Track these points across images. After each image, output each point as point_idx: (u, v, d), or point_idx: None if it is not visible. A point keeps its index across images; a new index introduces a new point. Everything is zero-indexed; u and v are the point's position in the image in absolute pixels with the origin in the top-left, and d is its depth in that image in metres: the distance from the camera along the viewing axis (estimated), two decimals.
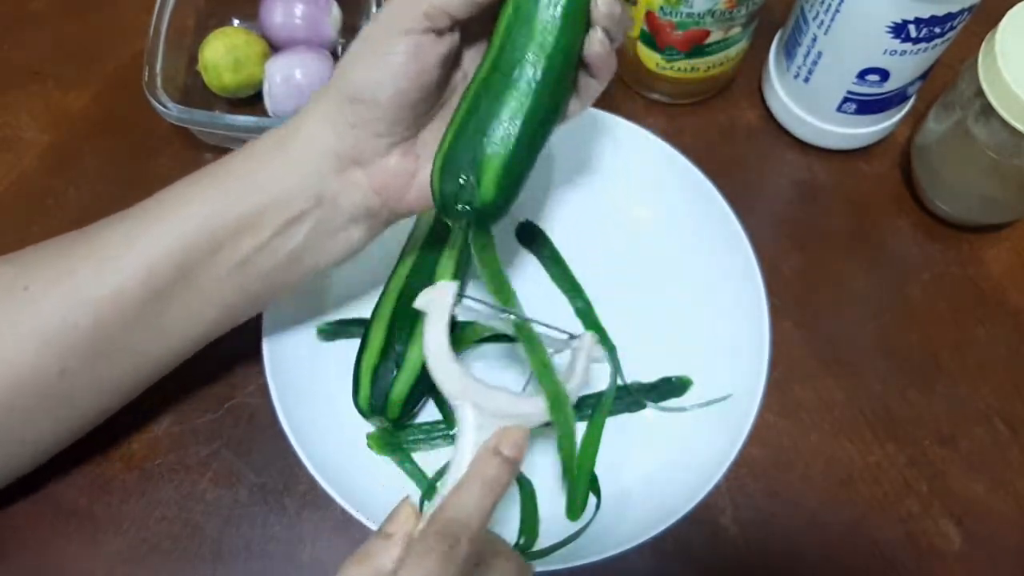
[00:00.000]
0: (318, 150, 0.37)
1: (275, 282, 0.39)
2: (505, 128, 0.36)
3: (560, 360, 0.39)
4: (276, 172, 0.37)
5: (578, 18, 0.35)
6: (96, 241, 0.38)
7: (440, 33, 0.35)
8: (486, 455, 0.34)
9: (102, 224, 0.38)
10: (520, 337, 0.37)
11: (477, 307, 0.38)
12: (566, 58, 0.36)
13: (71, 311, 0.37)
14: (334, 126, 0.36)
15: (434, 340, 0.36)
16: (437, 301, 0.37)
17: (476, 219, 0.37)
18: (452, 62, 0.37)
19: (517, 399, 0.36)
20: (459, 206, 0.36)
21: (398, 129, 0.37)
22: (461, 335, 0.45)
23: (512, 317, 0.37)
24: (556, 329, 0.40)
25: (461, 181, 0.36)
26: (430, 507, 0.33)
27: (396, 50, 0.35)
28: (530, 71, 0.35)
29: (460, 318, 0.38)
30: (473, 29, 0.37)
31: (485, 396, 0.35)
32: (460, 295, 0.38)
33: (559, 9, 0.35)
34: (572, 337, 0.40)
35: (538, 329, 0.38)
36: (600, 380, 0.46)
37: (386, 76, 0.35)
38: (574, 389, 0.38)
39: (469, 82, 0.37)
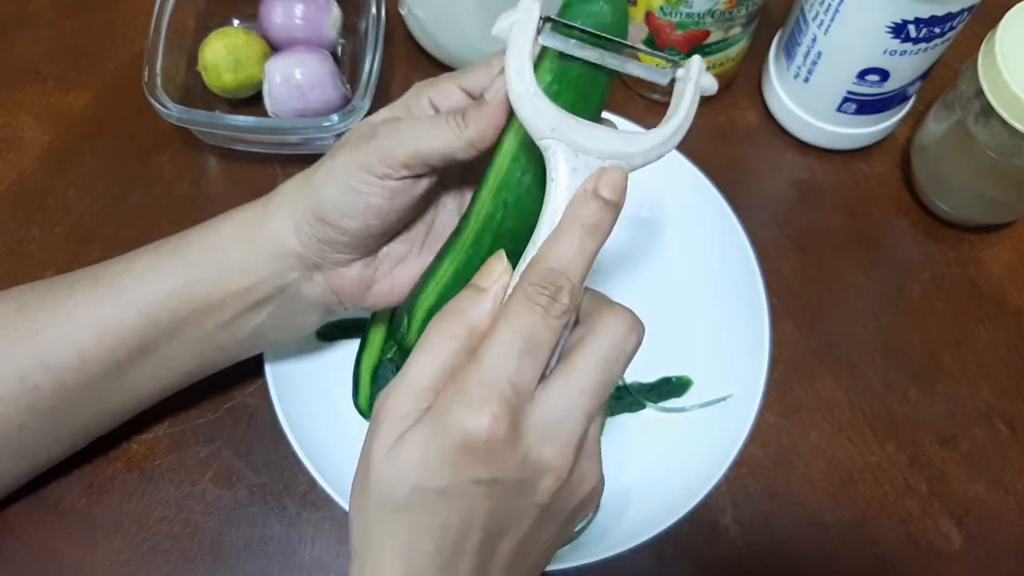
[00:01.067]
0: (282, 248, 0.37)
1: (234, 354, 0.41)
2: None
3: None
4: (242, 260, 0.38)
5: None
6: (62, 306, 0.38)
7: (418, 178, 0.35)
8: (584, 197, 0.30)
9: (70, 282, 0.39)
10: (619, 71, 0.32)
11: (566, 33, 0.32)
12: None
13: (32, 373, 0.37)
14: (299, 235, 0.37)
15: (517, 68, 0.30)
16: (521, 23, 0.31)
17: None
18: (426, 198, 0.38)
19: (620, 136, 0.31)
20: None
21: (360, 251, 0.38)
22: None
23: (610, 44, 0.32)
24: (659, 55, 0.33)
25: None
26: (523, 261, 0.30)
27: (370, 191, 0.35)
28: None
29: (545, 43, 0.32)
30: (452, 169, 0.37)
31: (582, 132, 0.30)
32: (546, 18, 0.31)
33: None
34: (676, 63, 0.33)
35: (635, 65, 0.32)
36: None
37: (357, 211, 0.35)
38: (680, 126, 0.32)
39: (457, 236, 0.37)
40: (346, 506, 0.41)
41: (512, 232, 0.36)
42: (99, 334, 0.38)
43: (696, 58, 0.33)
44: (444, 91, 0.36)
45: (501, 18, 0.31)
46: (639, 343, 0.32)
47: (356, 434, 0.45)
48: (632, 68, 0.33)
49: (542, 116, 0.30)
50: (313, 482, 0.42)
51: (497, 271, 0.30)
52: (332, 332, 0.47)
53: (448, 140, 0.34)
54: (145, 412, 0.47)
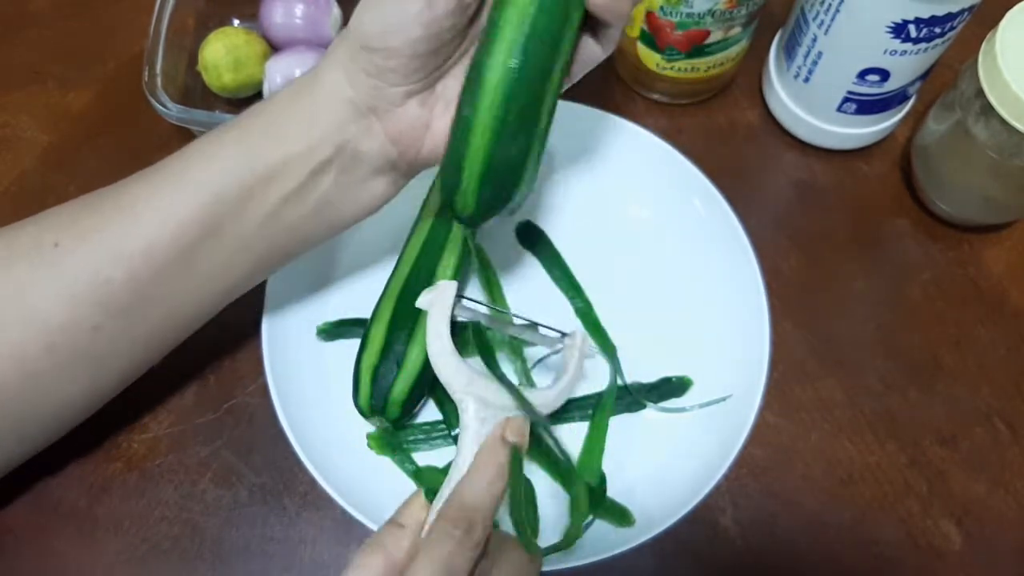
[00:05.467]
0: (336, 99, 0.36)
1: (303, 234, 0.39)
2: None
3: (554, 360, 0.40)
4: (297, 123, 0.37)
5: None
6: (124, 198, 0.37)
7: None
8: (494, 443, 0.35)
9: (128, 181, 0.38)
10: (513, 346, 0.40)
11: (475, 307, 0.40)
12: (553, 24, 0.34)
13: (103, 266, 0.36)
14: (349, 75, 0.36)
15: (436, 337, 0.37)
16: (438, 300, 0.38)
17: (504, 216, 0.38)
18: (470, 11, 0.35)
19: (527, 391, 0.37)
20: (456, 207, 0.36)
21: (413, 79, 0.36)
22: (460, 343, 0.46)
23: (509, 318, 0.39)
24: (549, 328, 0.41)
25: (454, 177, 0.35)
26: (438, 499, 0.34)
27: None
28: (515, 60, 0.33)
29: (459, 318, 0.39)
30: None
31: (488, 389, 0.36)
32: (460, 296, 0.38)
33: None
34: (564, 335, 0.41)
35: (527, 334, 0.40)
36: (600, 380, 0.46)
37: (399, 25, 0.34)
38: (567, 387, 0.39)
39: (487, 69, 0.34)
40: (346, 506, 0.41)
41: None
42: (162, 219, 0.36)
43: (580, 332, 0.42)
44: None
45: (424, 294, 0.39)
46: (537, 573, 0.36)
47: (356, 434, 0.46)
48: (527, 334, 0.42)
49: (457, 377, 0.37)
50: (313, 482, 0.42)
51: (415, 507, 0.35)
52: (333, 332, 0.47)
53: None
54: (145, 412, 0.47)
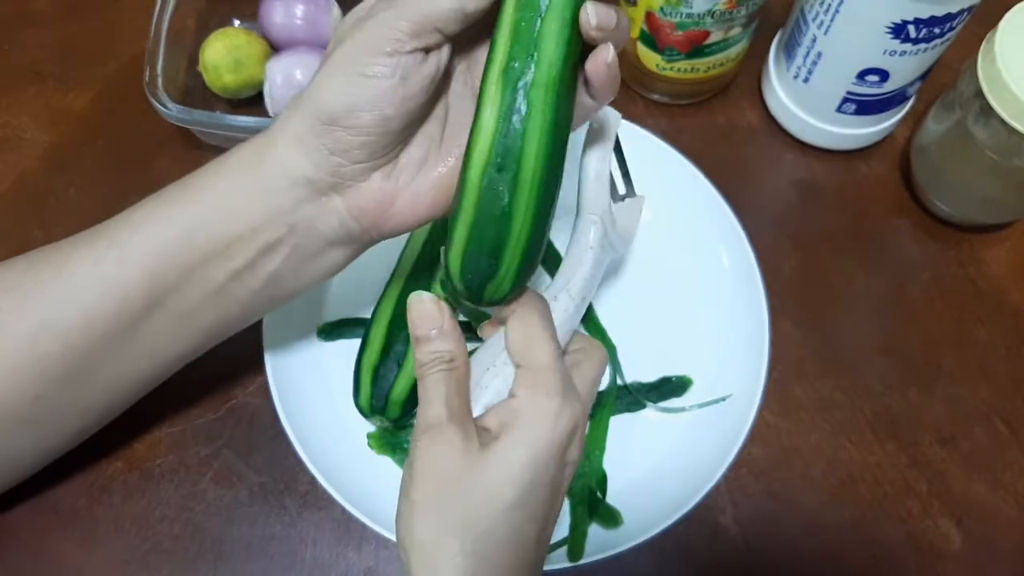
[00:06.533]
0: (291, 178, 0.34)
1: (255, 306, 0.38)
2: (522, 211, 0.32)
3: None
4: (246, 199, 0.35)
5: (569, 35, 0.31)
6: (66, 265, 0.36)
7: (428, 51, 0.32)
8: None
9: (71, 243, 0.37)
10: None
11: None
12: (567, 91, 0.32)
13: (41, 339, 0.36)
14: (307, 151, 0.33)
15: (596, 159, 0.38)
16: (605, 125, 0.38)
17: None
18: (440, 82, 0.34)
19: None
20: (486, 295, 0.34)
21: (378, 154, 0.34)
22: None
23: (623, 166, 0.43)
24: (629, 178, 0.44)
25: (486, 267, 0.33)
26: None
27: (380, 72, 0.32)
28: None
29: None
30: (463, 39, 0.34)
31: (611, 223, 0.39)
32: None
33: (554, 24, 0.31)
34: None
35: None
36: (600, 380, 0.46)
37: (368, 101, 0.32)
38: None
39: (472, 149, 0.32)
40: (347, 505, 0.41)
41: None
42: (102, 291, 0.35)
43: (616, 115, 0.39)
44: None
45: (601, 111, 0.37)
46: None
47: (357, 434, 0.46)
48: (612, 179, 0.42)
49: (600, 199, 0.38)
50: (314, 482, 0.42)
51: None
52: (333, 332, 0.47)
53: None
54: (146, 412, 0.47)
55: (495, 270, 0.33)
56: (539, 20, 0.31)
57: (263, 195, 0.34)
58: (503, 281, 0.33)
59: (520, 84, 0.31)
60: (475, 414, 0.34)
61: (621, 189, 0.44)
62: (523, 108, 0.31)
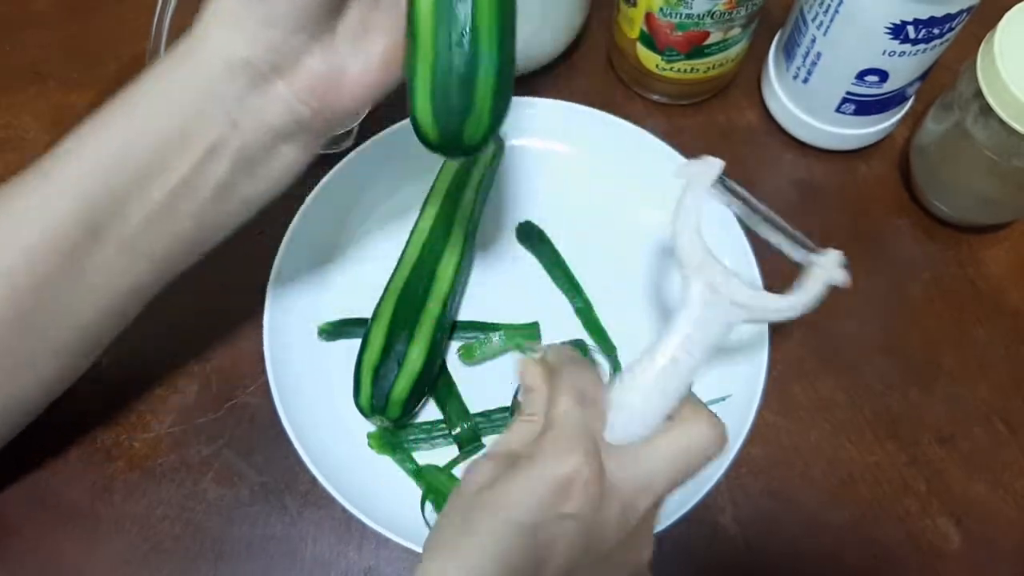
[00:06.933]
0: (226, 61, 0.32)
1: (210, 222, 0.35)
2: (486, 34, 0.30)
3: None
4: (179, 94, 0.32)
5: None
6: (6, 204, 0.35)
7: None
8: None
9: (13, 182, 0.35)
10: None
11: (736, 188, 0.37)
12: None
13: None
14: (241, 27, 0.31)
15: (687, 209, 0.35)
16: (703, 172, 0.36)
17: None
18: None
19: (747, 289, 0.35)
20: (466, 137, 0.31)
21: (314, 19, 0.31)
22: (475, 351, 0.46)
23: (764, 211, 0.38)
24: (798, 237, 0.38)
25: (458, 102, 0.30)
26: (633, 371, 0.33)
27: None
28: None
29: (715, 199, 0.37)
30: None
31: (720, 276, 0.34)
32: (723, 177, 0.36)
33: None
34: (814, 251, 0.38)
35: (777, 237, 0.38)
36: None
37: None
38: (798, 303, 0.36)
39: None
40: (347, 505, 0.41)
41: None
42: (40, 228, 0.34)
43: (836, 253, 0.36)
44: None
45: (684, 164, 0.35)
46: (716, 452, 0.32)
47: (357, 434, 0.46)
48: (775, 237, 0.38)
49: (695, 252, 0.34)
50: (314, 481, 0.42)
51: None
52: (333, 332, 0.47)
53: None
54: (146, 412, 0.47)
55: (471, 102, 0.30)
56: None
57: (198, 86, 0.32)
58: (482, 114, 0.31)
59: None
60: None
61: (792, 252, 0.39)
62: None
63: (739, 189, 0.37)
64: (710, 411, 0.32)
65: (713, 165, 0.35)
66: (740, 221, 0.38)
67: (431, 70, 0.30)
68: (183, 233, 0.35)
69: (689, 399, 0.33)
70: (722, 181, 0.36)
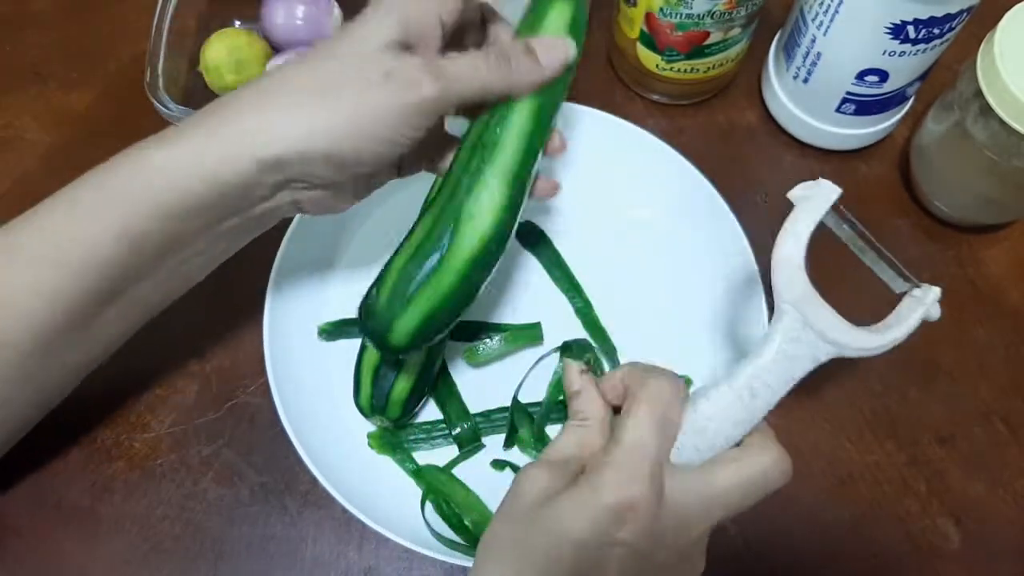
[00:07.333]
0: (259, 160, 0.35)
1: (214, 262, 0.40)
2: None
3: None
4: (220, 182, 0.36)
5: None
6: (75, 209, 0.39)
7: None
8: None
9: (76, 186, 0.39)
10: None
11: (849, 217, 0.36)
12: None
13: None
14: (261, 172, 0.35)
15: (793, 236, 0.33)
16: (816, 197, 0.34)
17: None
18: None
19: (842, 325, 0.34)
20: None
21: (366, 186, 0.40)
22: (479, 353, 0.47)
23: (870, 240, 0.36)
24: (900, 269, 0.37)
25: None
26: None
27: (411, 140, 0.35)
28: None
29: (827, 225, 0.36)
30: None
31: (814, 314, 0.34)
32: (838, 205, 0.34)
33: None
34: (913, 285, 0.37)
35: (880, 265, 0.37)
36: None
37: (381, 159, 0.35)
38: (896, 338, 0.35)
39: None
40: (347, 505, 0.41)
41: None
42: (52, 306, 0.36)
43: (935, 290, 0.36)
44: (450, 9, 0.35)
45: (801, 186, 0.34)
46: (780, 486, 0.34)
47: (357, 434, 0.46)
48: (877, 266, 0.37)
49: (794, 285, 0.33)
50: (314, 481, 0.42)
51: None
52: (333, 332, 0.47)
53: (496, 81, 0.35)
54: (147, 412, 0.47)
55: (404, 311, 0.37)
56: None
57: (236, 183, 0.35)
58: (409, 324, 0.37)
59: None
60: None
61: (891, 283, 0.38)
62: None
63: (850, 217, 0.36)
64: (778, 445, 0.33)
65: (830, 191, 0.34)
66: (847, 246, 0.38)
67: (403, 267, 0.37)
68: (186, 277, 0.39)
69: (759, 428, 0.33)
70: (835, 208, 0.34)
